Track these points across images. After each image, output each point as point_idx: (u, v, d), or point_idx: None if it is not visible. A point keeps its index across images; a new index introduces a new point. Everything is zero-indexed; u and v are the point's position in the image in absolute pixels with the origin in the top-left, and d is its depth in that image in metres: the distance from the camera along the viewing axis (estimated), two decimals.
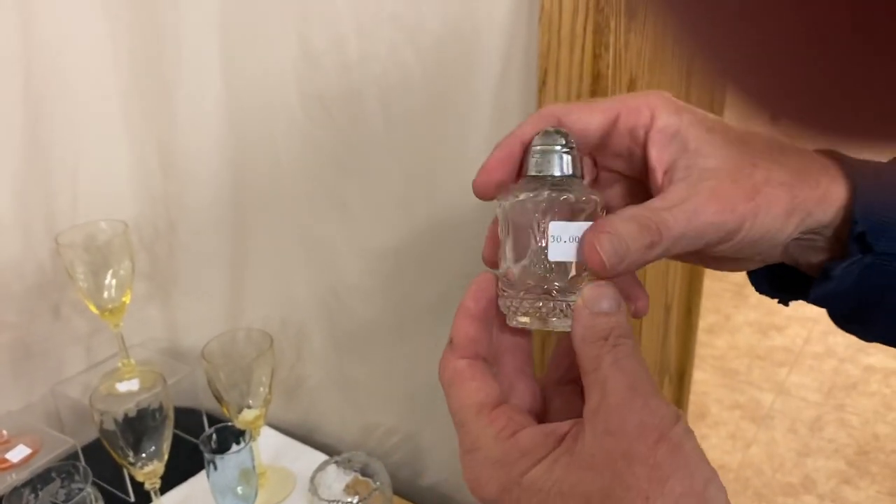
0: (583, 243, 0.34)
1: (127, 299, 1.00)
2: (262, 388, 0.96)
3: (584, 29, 0.71)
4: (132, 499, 1.02)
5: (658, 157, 0.36)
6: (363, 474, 0.95)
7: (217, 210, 1.05)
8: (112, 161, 1.06)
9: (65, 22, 0.96)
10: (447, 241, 0.88)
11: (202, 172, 1.03)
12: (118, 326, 1.02)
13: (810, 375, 2.34)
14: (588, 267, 0.34)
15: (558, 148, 0.36)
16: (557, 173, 0.36)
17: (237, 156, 1.00)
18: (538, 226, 0.35)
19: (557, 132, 0.36)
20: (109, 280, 0.99)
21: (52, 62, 0.97)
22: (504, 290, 0.36)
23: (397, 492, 0.97)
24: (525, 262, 0.35)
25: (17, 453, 0.91)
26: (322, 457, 1.05)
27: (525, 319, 0.36)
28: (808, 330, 2.55)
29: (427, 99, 0.82)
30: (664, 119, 0.36)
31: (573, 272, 0.35)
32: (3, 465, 0.90)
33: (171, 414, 0.93)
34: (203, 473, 1.07)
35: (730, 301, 2.75)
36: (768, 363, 2.41)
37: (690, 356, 1.27)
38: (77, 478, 0.84)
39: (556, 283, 0.35)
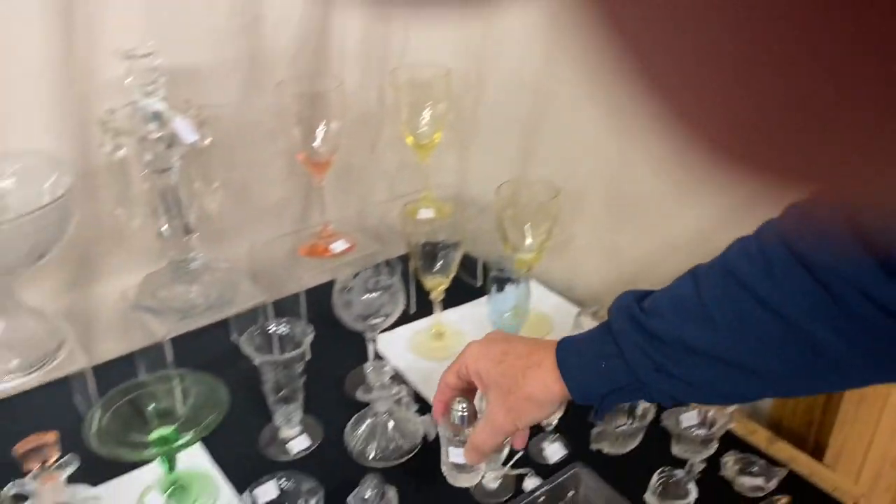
0: (467, 453, 0.69)
1: (438, 137, 1.14)
2: (541, 234, 1.05)
3: None
4: (413, 310, 1.18)
5: (478, 384, 0.68)
6: None
7: (524, 69, 1.13)
8: None
9: None
10: None
11: (517, 34, 1.12)
12: (426, 159, 1.16)
13: None
14: (469, 461, 0.70)
15: (459, 410, 0.69)
16: (458, 423, 0.70)
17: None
18: (449, 445, 0.71)
19: (459, 401, 0.69)
20: (426, 117, 1.12)
21: None
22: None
23: None
24: (444, 454, 0.72)
25: (339, 245, 1.10)
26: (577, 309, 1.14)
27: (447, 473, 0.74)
28: None
29: None
30: (471, 365, 0.67)
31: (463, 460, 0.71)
32: (327, 254, 1.09)
33: (461, 242, 1.06)
34: (471, 305, 1.22)
35: None
36: None
37: None
38: (385, 272, 1.00)
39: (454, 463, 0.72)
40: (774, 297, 0.51)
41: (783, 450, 0.91)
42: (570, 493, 0.86)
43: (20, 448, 0.72)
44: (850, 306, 0.48)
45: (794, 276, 0.50)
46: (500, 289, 1.00)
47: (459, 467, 0.71)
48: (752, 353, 0.53)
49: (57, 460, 0.74)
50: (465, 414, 0.68)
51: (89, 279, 1.04)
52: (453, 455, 0.70)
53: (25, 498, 0.73)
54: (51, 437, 0.73)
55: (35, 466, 0.73)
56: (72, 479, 0.77)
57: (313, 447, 0.93)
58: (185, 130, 0.84)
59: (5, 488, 0.73)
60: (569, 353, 0.62)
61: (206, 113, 0.91)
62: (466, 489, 0.86)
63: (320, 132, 1.03)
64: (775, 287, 0.51)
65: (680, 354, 0.56)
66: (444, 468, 0.73)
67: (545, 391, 0.61)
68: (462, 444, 0.69)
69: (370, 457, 0.91)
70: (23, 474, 0.73)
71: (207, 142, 0.90)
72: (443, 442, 0.71)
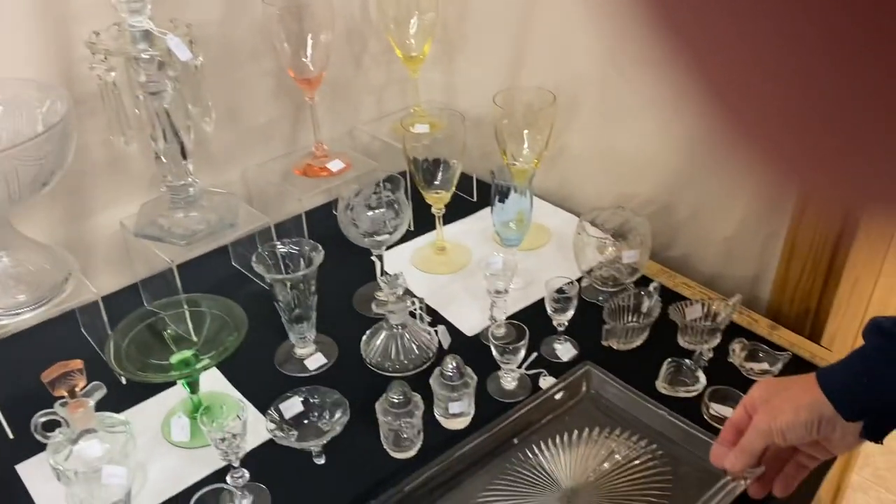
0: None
1: (427, 48, 1.12)
2: (539, 139, 1.05)
3: None
4: (411, 228, 1.18)
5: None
6: (621, 230, 1.04)
7: None
8: None
9: None
10: None
11: None
12: (416, 73, 1.14)
13: None
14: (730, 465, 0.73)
15: (449, 369, 0.84)
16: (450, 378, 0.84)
17: None
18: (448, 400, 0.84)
19: (449, 360, 0.83)
20: (415, 28, 1.10)
21: None
22: None
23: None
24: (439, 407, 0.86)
25: (335, 165, 1.09)
26: (575, 219, 1.15)
27: None
28: None
29: None
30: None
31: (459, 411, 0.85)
32: (324, 173, 1.09)
33: (461, 154, 1.05)
34: (470, 219, 1.23)
35: None
36: None
37: None
38: (389, 187, 1.00)
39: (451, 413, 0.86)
40: None
41: (784, 336, 0.95)
42: (584, 389, 0.89)
43: (47, 375, 0.72)
44: None
45: None
46: (503, 199, 1.01)
47: (454, 415, 0.84)
48: None
49: (84, 387, 0.74)
50: (454, 373, 0.83)
51: (84, 211, 1.02)
52: (453, 407, 0.83)
53: (56, 424, 0.74)
54: (76, 364, 0.73)
55: (63, 393, 0.73)
56: (96, 408, 0.77)
57: (330, 363, 0.95)
58: (180, 48, 0.81)
59: (36, 415, 0.73)
60: (830, 379, 0.66)
61: (194, 32, 0.88)
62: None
63: (310, 46, 1.00)
64: None
65: None
66: (439, 417, 0.85)
67: (802, 398, 0.66)
68: (457, 398, 0.82)
69: (388, 368, 0.92)
70: (48, 402, 0.73)
71: (200, 60, 0.87)
72: (439, 397, 0.84)
